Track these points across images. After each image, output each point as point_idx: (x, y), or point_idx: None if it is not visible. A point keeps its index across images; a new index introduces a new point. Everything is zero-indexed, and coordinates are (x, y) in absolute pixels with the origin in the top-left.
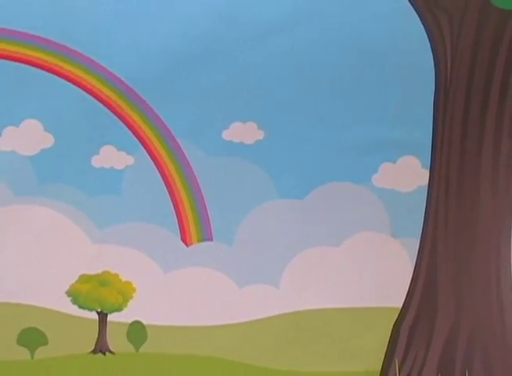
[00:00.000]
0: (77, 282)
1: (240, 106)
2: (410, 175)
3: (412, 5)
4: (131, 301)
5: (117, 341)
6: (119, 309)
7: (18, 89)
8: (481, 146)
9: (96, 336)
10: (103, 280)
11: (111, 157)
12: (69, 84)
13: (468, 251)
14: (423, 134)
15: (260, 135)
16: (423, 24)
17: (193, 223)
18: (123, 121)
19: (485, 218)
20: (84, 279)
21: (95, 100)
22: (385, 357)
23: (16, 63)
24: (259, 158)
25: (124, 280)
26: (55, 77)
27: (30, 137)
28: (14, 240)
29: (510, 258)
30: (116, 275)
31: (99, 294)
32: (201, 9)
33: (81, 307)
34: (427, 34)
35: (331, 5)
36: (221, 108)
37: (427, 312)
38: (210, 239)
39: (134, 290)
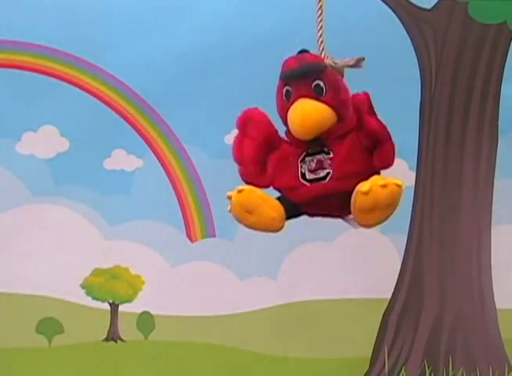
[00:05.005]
0: (90, 275)
1: (241, 112)
2: (398, 176)
3: (399, 19)
4: (140, 293)
5: (127, 329)
6: (129, 301)
7: (36, 98)
8: (463, 150)
9: (108, 325)
10: (115, 274)
11: (122, 160)
12: (83, 93)
13: (452, 247)
14: (410, 138)
15: None
16: (410, 38)
17: (198, 221)
18: (132, 127)
19: (467, 217)
20: (97, 272)
21: (107, 108)
22: (375, 344)
23: (34, 74)
24: None
25: (133, 273)
26: (70, 86)
27: (47, 141)
28: (32, 237)
29: (490, 255)
30: (126, 269)
31: (110, 287)
32: (206, 23)
33: (94, 298)
34: (414, 47)
35: (327, 20)
36: (222, 115)
37: (413, 304)
38: (214, 236)
39: (143, 282)
